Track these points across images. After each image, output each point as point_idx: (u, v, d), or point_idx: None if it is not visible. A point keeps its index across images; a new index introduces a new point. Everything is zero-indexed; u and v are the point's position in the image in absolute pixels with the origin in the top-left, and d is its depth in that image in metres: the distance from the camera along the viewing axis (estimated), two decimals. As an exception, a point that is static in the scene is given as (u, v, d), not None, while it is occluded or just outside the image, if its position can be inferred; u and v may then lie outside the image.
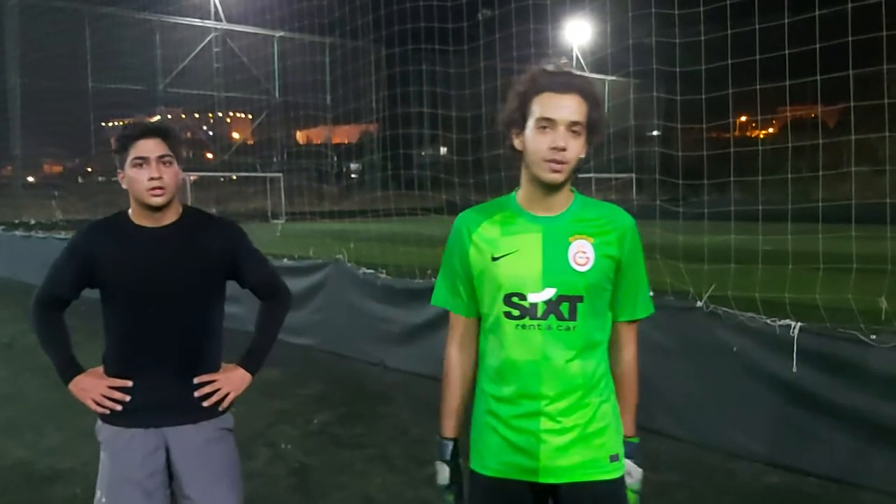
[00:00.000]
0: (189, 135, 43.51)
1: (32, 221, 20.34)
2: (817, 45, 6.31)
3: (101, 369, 2.59)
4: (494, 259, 2.10)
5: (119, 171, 2.48)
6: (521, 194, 2.14)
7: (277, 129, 40.45)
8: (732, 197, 7.73)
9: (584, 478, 2.06)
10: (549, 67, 2.09)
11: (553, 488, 2.08)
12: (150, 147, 2.43)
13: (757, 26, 6.78)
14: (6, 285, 14.52)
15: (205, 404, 2.55)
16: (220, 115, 43.06)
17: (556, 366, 2.04)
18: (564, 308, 2.04)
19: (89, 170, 40.60)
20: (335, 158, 44.79)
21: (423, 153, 35.26)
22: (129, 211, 2.55)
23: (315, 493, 4.49)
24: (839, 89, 7.25)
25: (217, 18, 39.17)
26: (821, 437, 4.48)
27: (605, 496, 2.09)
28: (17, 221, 21.73)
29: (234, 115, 46.15)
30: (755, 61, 7.01)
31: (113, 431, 2.53)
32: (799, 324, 4.56)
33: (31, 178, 37.36)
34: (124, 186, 2.50)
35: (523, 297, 2.06)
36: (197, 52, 38.95)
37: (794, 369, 4.52)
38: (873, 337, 4.30)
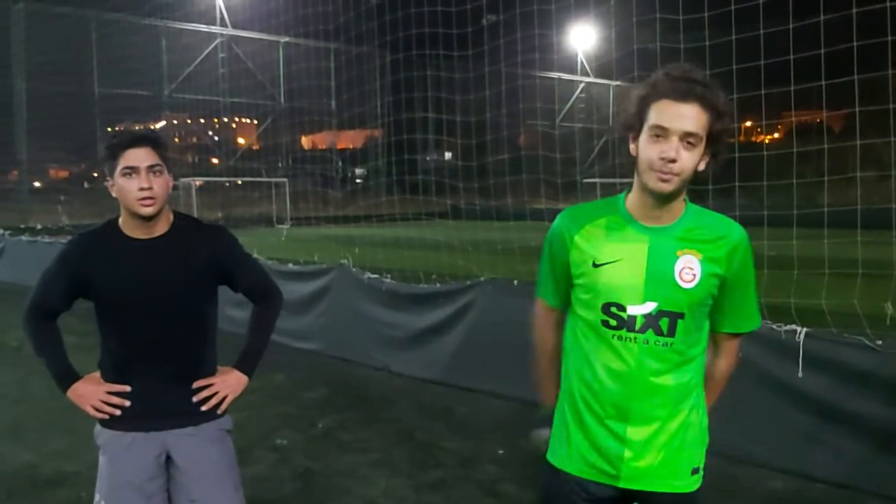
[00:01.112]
0: (194, 140, 43.64)
1: (38, 226, 20.41)
2: (822, 51, 6.31)
3: (97, 375, 2.60)
4: (596, 266, 2.05)
5: (108, 179, 2.46)
6: (631, 200, 2.06)
7: (282, 134, 40.50)
8: (737, 202, 7.70)
9: (662, 488, 2.05)
10: (674, 72, 1.95)
11: (632, 494, 2.08)
12: (139, 156, 2.40)
13: (762, 31, 6.77)
14: (12, 290, 14.56)
15: (203, 408, 2.58)
16: (226, 120, 43.14)
17: (648, 379, 2.01)
18: (664, 323, 2.00)
19: (95, 175, 40.62)
20: (340, 163, 44.84)
21: (427, 158, 35.30)
22: (120, 221, 2.53)
23: (319, 497, 4.49)
24: (844, 94, 7.24)
25: (223, 24, 39.27)
26: (826, 442, 4.47)
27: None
28: (23, 226, 21.79)
29: (240, 120, 46.24)
30: (760, 66, 7.00)
31: (112, 436, 2.55)
32: (805, 329, 4.56)
33: (37, 183, 37.50)
34: (114, 195, 2.47)
35: (622, 308, 2.01)
36: (202, 58, 39.02)
37: (800, 374, 4.52)
38: (879, 342, 4.29)
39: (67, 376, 2.56)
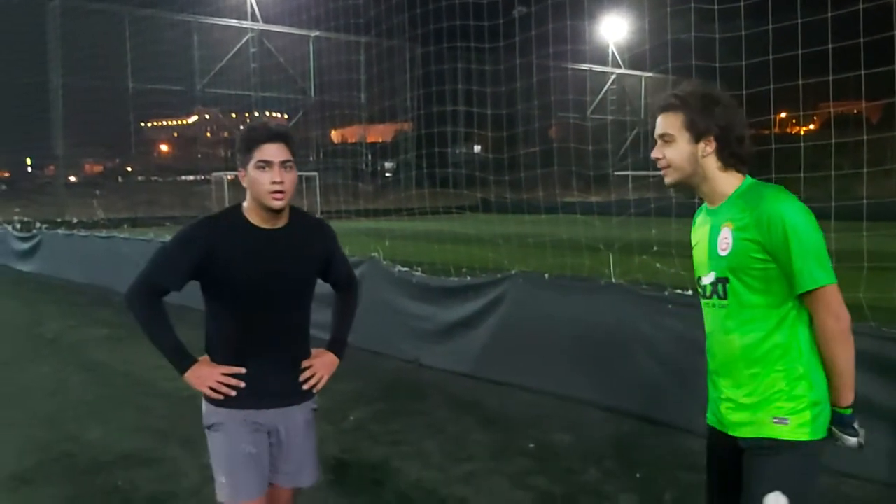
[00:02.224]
0: (226, 135, 44.01)
1: (74, 220, 20.73)
2: (861, 40, 6.18)
3: (208, 358, 2.70)
4: (692, 248, 2.52)
5: (240, 169, 2.57)
6: (703, 190, 2.43)
7: (313, 128, 40.70)
8: (773, 194, 7.59)
9: (750, 434, 2.33)
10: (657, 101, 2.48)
11: (735, 441, 2.38)
12: (274, 151, 2.51)
13: (799, 20, 6.65)
14: (49, 283, 14.83)
15: (305, 387, 2.77)
16: (257, 114, 43.37)
17: (720, 339, 2.39)
18: (720, 288, 2.36)
19: (129, 169, 41.25)
20: (370, 157, 45.00)
21: (457, 151, 35.24)
22: (245, 208, 2.63)
23: (351, 489, 4.51)
24: (883, 84, 7.09)
25: (254, 19, 39.55)
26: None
27: (768, 449, 2.29)
28: (59, 220, 22.17)
29: (271, 114, 46.46)
30: (797, 56, 6.88)
31: (227, 414, 2.65)
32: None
33: (72, 178, 38.14)
34: (244, 185, 2.57)
35: (700, 280, 2.46)
36: (234, 53, 39.35)
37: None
38: (920, 337, 4.20)
39: (185, 358, 2.63)
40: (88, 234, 15.27)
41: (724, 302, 2.34)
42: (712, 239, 2.37)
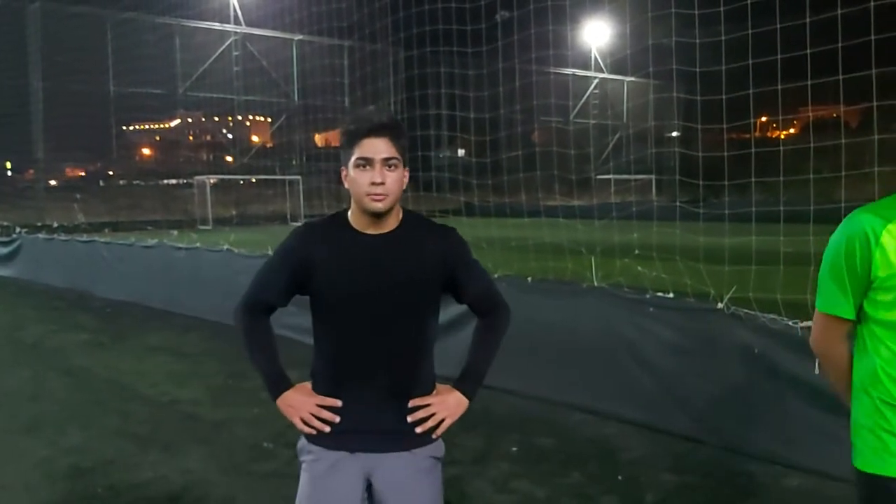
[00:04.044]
0: (209, 138, 43.83)
1: (55, 224, 20.56)
2: (839, 45, 6.25)
3: (308, 385, 2.38)
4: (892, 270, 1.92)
5: (343, 168, 2.26)
6: None
7: (296, 131, 40.61)
8: (753, 198, 7.66)
9: None
10: None
11: None
12: (376, 147, 2.17)
13: (778, 26, 6.72)
14: (29, 287, 14.69)
15: (418, 430, 2.30)
16: (240, 118, 43.29)
17: None
18: None
19: (110, 173, 40.97)
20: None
21: (441, 155, 35.29)
22: (349, 213, 2.31)
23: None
24: (861, 89, 7.18)
25: (236, 22, 39.41)
26: (843, 439, 4.42)
27: None
28: (39, 224, 22.00)
29: (254, 118, 46.42)
30: (776, 61, 6.95)
31: (316, 452, 2.31)
32: (821, 325, 4.51)
33: (53, 182, 37.80)
34: (346, 186, 2.26)
35: None
36: (216, 56, 39.18)
37: (817, 371, 4.48)
38: (897, 339, 4.24)
39: (280, 382, 2.32)
40: (69, 239, 15.15)
41: None
42: None
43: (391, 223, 2.28)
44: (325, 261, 2.24)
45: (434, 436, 2.35)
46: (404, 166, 2.24)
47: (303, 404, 2.28)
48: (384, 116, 2.22)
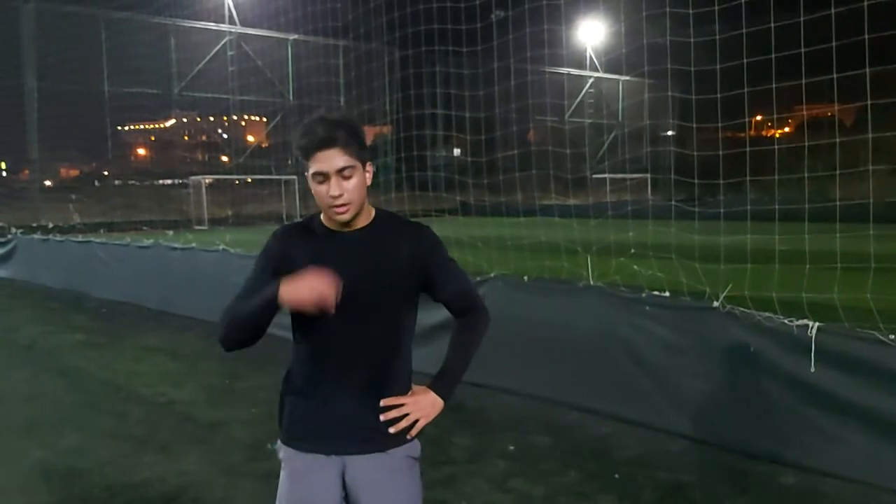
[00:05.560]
0: (204, 138, 43.74)
1: (50, 225, 20.52)
2: (833, 44, 6.26)
3: None
4: None
5: (307, 173, 2.25)
6: None
7: (292, 131, 40.37)
8: (748, 196, 7.68)
9: None
10: None
11: None
12: (329, 161, 2.16)
13: (772, 25, 6.73)
14: (25, 288, 14.66)
15: (391, 430, 2.28)
16: (235, 118, 43.24)
17: None
18: None
19: (106, 173, 40.89)
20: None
21: (436, 154, 35.28)
22: (322, 213, 2.33)
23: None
24: (856, 88, 7.19)
25: (231, 22, 39.35)
26: (838, 437, 4.44)
27: None
28: (34, 225, 21.95)
29: (249, 118, 46.31)
30: (770, 60, 6.96)
31: (293, 453, 2.31)
32: (817, 324, 4.53)
33: (48, 182, 37.70)
34: (314, 193, 2.26)
35: None
36: (211, 56, 39.13)
37: (812, 369, 4.49)
38: (892, 337, 4.26)
39: (269, 287, 2.15)
40: (64, 239, 15.12)
41: None
42: None
43: (361, 221, 2.30)
44: (299, 256, 2.24)
45: (408, 436, 2.33)
46: (364, 164, 2.23)
47: (302, 278, 2.08)
48: (332, 124, 2.19)
